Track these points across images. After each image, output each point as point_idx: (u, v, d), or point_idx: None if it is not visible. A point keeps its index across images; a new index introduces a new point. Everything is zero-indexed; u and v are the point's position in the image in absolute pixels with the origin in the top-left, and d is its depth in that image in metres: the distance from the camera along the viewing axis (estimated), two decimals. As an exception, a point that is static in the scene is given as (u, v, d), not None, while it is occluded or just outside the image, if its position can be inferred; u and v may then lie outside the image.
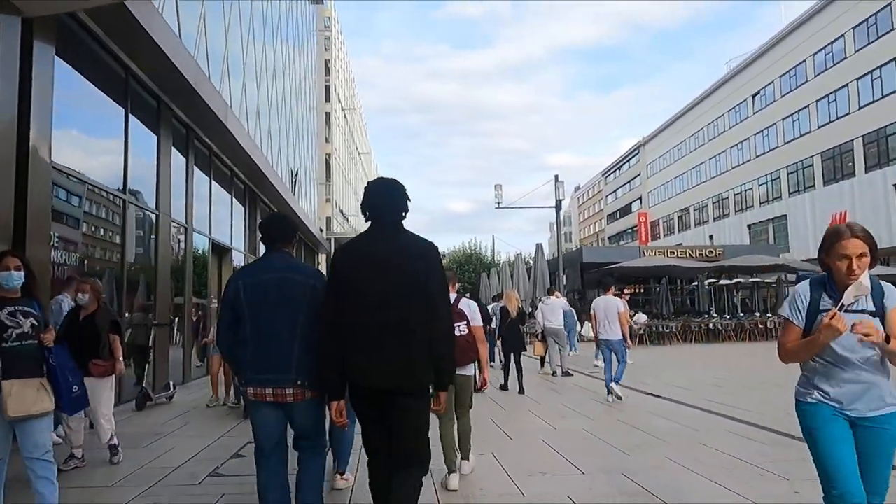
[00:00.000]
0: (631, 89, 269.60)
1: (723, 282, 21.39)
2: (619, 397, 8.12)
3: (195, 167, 12.08)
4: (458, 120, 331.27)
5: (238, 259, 15.87)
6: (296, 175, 25.07)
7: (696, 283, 22.46)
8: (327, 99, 41.40)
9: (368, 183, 3.13)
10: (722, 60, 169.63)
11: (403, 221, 3.02)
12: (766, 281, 22.28)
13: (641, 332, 19.34)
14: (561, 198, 22.44)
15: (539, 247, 22.70)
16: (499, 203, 23.50)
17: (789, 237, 38.23)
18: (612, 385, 8.17)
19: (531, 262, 28.56)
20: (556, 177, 22.40)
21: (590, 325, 19.25)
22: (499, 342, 10.57)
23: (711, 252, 26.41)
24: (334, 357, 2.88)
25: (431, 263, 2.89)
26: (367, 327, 2.83)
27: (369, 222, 3.02)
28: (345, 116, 48.67)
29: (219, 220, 14.07)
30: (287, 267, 3.28)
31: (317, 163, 35.18)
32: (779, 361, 2.82)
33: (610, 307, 8.43)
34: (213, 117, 11.07)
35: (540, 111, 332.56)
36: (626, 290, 14.55)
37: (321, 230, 35.92)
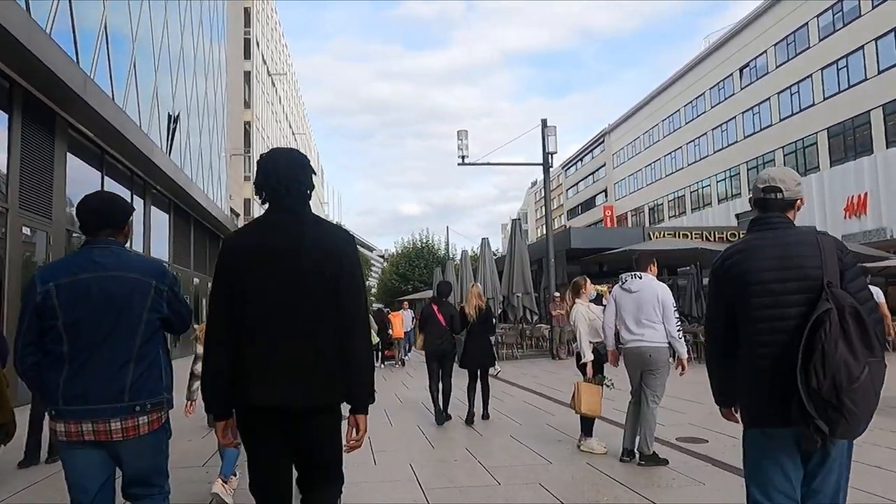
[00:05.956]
0: (581, 94, 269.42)
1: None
2: None
3: None
4: (410, 121, 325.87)
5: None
6: (175, 122, 17.72)
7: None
8: (247, 55, 33.94)
9: (262, 156, 2.39)
10: (669, 68, 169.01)
11: (310, 203, 2.33)
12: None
13: (689, 340, 12.88)
14: (552, 150, 15.84)
15: (517, 224, 16.11)
16: (463, 157, 16.64)
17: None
18: None
19: (499, 252, 21.94)
20: (544, 121, 15.88)
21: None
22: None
23: (734, 235, 20.38)
24: (223, 373, 2.22)
25: (345, 260, 2.23)
26: (268, 337, 2.19)
27: (265, 205, 2.33)
28: (273, 83, 41.12)
29: None
30: (117, 263, 2.41)
31: (228, 127, 27.73)
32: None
33: None
34: None
35: (491, 114, 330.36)
36: None
37: (232, 211, 28.44)
